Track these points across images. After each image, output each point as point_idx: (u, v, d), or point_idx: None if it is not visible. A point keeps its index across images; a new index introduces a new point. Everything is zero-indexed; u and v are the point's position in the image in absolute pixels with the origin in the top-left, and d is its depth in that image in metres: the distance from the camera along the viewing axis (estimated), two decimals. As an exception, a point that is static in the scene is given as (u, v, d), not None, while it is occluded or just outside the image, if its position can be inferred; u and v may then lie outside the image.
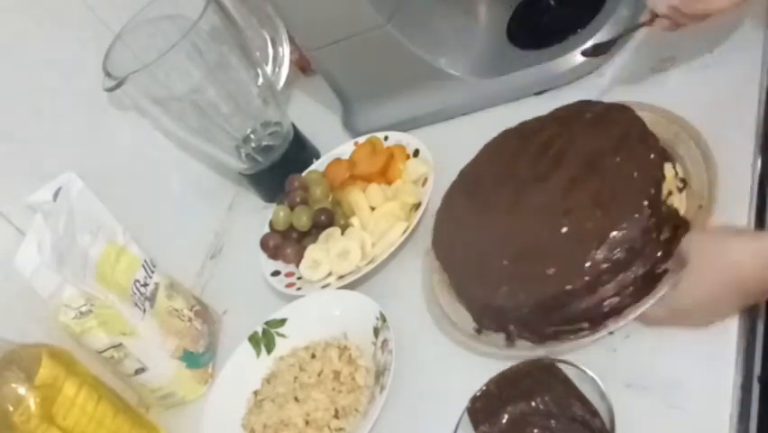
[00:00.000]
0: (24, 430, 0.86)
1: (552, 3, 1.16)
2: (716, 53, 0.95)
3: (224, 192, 1.36)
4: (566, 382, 0.75)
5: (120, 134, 1.20)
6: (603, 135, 0.88)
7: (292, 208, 1.15)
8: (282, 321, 1.04)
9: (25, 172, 1.04)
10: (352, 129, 1.25)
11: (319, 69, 1.21)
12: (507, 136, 0.97)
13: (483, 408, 0.78)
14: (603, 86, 1.03)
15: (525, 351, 0.83)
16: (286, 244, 1.12)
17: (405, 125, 1.18)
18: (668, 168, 0.84)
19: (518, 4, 1.17)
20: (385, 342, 0.93)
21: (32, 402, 0.86)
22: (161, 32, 1.16)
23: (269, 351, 1.03)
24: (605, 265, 0.79)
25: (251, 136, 1.24)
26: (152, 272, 1.06)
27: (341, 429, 0.91)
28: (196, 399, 1.08)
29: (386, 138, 1.17)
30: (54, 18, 1.12)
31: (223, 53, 1.17)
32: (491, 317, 0.87)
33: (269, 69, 1.28)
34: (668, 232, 0.80)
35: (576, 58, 1.05)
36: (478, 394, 0.78)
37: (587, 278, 0.79)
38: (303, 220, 1.12)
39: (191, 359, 1.07)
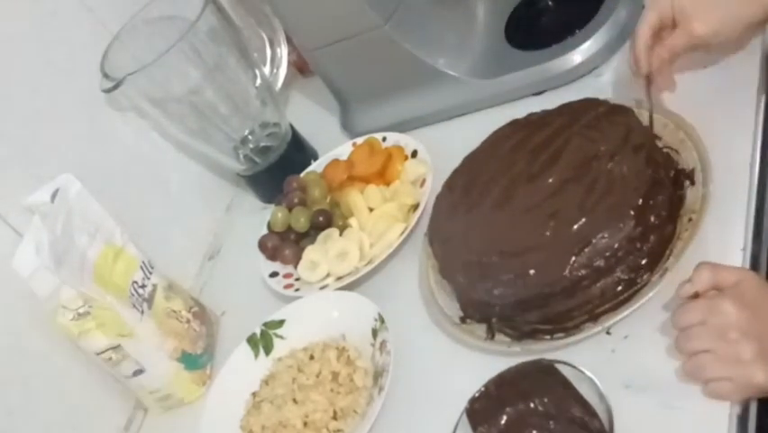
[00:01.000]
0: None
1: (550, 3, 1.16)
2: (714, 54, 0.95)
3: (222, 193, 1.35)
4: (565, 383, 0.75)
5: (118, 135, 1.20)
6: (601, 139, 0.88)
7: (290, 209, 1.15)
8: (280, 322, 1.04)
9: (23, 173, 1.04)
10: (350, 130, 1.25)
11: (317, 70, 1.21)
12: (513, 127, 0.97)
13: (482, 409, 0.78)
14: (602, 86, 1.03)
15: (504, 346, 0.84)
16: (284, 245, 1.12)
17: (403, 126, 1.18)
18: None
19: (517, 5, 1.17)
20: (383, 343, 0.93)
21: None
22: (159, 34, 1.15)
23: (267, 352, 1.03)
24: (584, 271, 0.79)
25: (250, 137, 1.24)
26: (150, 274, 1.06)
27: (339, 431, 0.90)
28: (195, 400, 1.08)
29: (384, 139, 1.17)
30: (52, 19, 1.12)
31: (221, 54, 1.17)
32: (475, 308, 0.88)
33: (267, 69, 1.28)
34: (654, 241, 0.81)
35: (575, 58, 1.05)
36: (476, 395, 0.78)
37: (565, 282, 0.79)
38: (301, 221, 1.12)
39: (189, 360, 1.07)
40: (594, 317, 0.80)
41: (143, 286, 1.04)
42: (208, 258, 1.29)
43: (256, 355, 1.03)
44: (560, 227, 0.82)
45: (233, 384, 1.02)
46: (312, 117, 1.33)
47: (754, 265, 0.80)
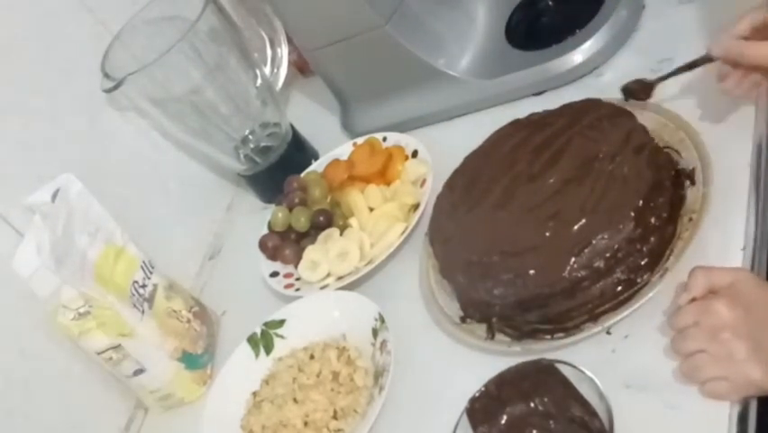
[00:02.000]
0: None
1: (550, 3, 1.16)
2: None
3: (222, 193, 1.35)
4: (565, 382, 0.75)
5: (118, 135, 1.20)
6: (602, 140, 0.88)
7: (291, 209, 1.15)
8: (281, 322, 1.04)
9: (24, 173, 1.04)
10: (350, 130, 1.25)
11: (318, 70, 1.21)
12: (515, 127, 0.98)
13: (482, 408, 0.78)
14: (602, 86, 1.03)
15: (504, 346, 0.84)
16: (284, 244, 1.12)
17: (403, 126, 1.18)
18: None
19: (517, 5, 1.17)
20: (384, 343, 0.93)
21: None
22: (160, 33, 1.15)
23: (267, 352, 1.03)
24: (584, 272, 0.79)
25: (250, 137, 1.24)
26: (151, 273, 1.06)
27: (339, 430, 0.91)
28: (195, 400, 1.08)
29: (384, 139, 1.17)
30: (53, 19, 1.12)
31: (221, 54, 1.17)
32: (474, 308, 0.88)
33: (267, 69, 1.28)
34: (654, 242, 0.81)
35: (575, 58, 1.05)
36: (477, 395, 0.78)
37: (565, 283, 0.80)
38: (301, 221, 1.12)
39: (190, 360, 1.07)
40: (594, 317, 0.81)
41: (144, 286, 1.04)
42: (209, 258, 1.29)
43: (256, 355, 1.03)
44: (560, 228, 0.82)
45: (233, 384, 1.02)
46: (312, 117, 1.33)
47: (754, 265, 0.79)
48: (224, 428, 0.98)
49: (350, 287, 1.03)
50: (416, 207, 1.05)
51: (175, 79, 1.13)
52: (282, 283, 1.09)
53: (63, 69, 1.12)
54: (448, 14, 1.17)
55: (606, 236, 0.79)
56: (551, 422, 0.76)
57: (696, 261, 0.77)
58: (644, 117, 0.90)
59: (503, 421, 0.77)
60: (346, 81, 1.20)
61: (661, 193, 0.82)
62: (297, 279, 1.09)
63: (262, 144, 1.24)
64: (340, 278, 1.04)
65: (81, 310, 0.96)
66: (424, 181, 1.07)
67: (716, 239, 0.80)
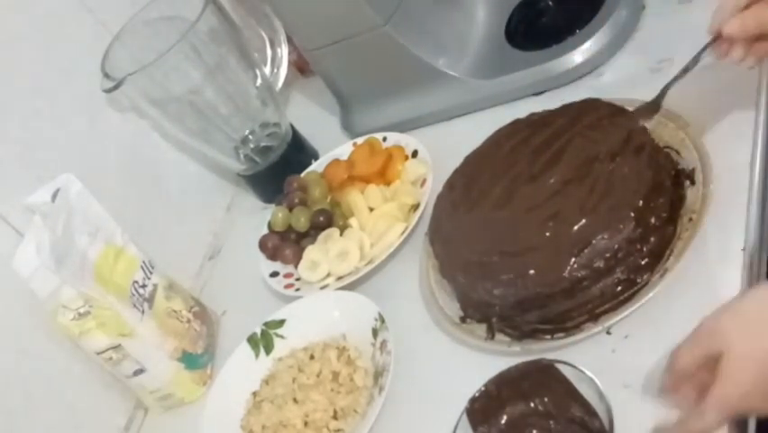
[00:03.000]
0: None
1: (550, 3, 1.16)
2: (714, 54, 0.95)
3: (222, 193, 1.36)
4: (565, 382, 0.75)
5: (118, 135, 1.20)
6: (602, 140, 0.88)
7: (291, 209, 1.15)
8: (281, 322, 1.04)
9: (24, 173, 1.04)
10: (350, 130, 1.25)
11: (317, 70, 1.21)
12: (515, 126, 0.98)
13: (482, 409, 0.78)
14: (602, 86, 1.03)
15: (504, 346, 0.84)
16: (284, 244, 1.12)
17: (403, 126, 1.18)
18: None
19: (517, 5, 1.17)
20: (384, 343, 0.93)
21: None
22: (160, 34, 1.16)
23: (267, 352, 1.03)
24: (584, 272, 0.79)
25: (250, 137, 1.24)
26: (151, 273, 1.06)
27: (339, 430, 0.91)
28: (195, 400, 1.08)
29: (384, 139, 1.17)
30: (52, 19, 1.12)
31: (221, 54, 1.17)
32: (474, 308, 0.88)
33: (267, 69, 1.28)
34: (654, 242, 0.81)
35: (575, 58, 1.05)
36: (476, 395, 0.78)
37: (565, 283, 0.80)
38: (301, 221, 1.12)
39: (190, 360, 1.07)
40: (594, 317, 0.81)
41: (144, 286, 1.04)
42: (209, 258, 1.29)
43: (256, 355, 1.03)
44: (560, 228, 0.82)
45: (233, 384, 1.02)
46: (312, 117, 1.33)
47: (754, 265, 0.80)
48: (224, 428, 0.98)
49: (350, 287, 1.03)
50: (416, 207, 1.05)
51: (175, 80, 1.13)
52: (282, 283, 1.09)
53: (63, 69, 1.12)
54: (448, 14, 1.17)
55: (606, 236, 0.79)
56: (551, 422, 0.76)
57: (696, 261, 0.77)
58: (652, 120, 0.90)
59: (503, 421, 0.78)
60: (346, 81, 1.20)
61: (661, 193, 0.82)
62: (297, 279, 1.09)
63: (262, 144, 1.24)
64: (340, 278, 1.04)
65: (81, 310, 0.96)
66: (424, 181, 1.07)
67: (716, 239, 0.80)
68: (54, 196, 1.00)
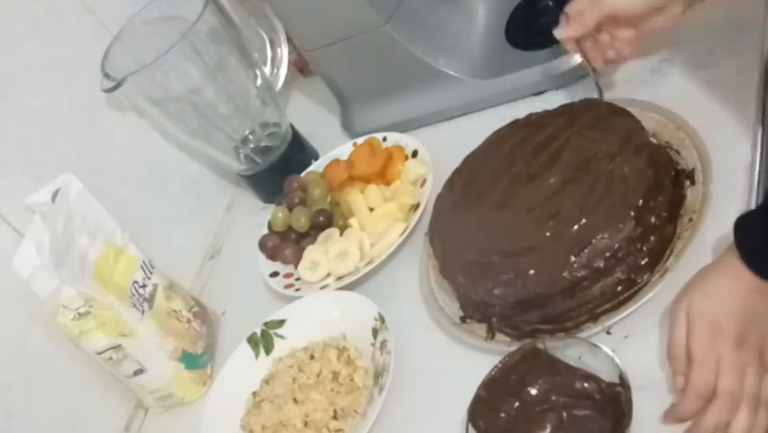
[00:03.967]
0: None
1: (550, 3, 1.16)
2: (714, 54, 0.95)
3: (222, 193, 1.36)
4: (551, 360, 0.76)
5: (118, 135, 1.20)
6: (601, 139, 0.88)
7: (291, 209, 1.15)
8: (281, 322, 1.04)
9: (24, 173, 1.04)
10: (350, 130, 1.25)
11: (317, 70, 1.21)
12: (514, 127, 0.98)
13: (482, 414, 0.77)
14: (602, 86, 1.03)
15: (504, 345, 0.84)
16: (284, 244, 1.12)
17: (403, 126, 1.18)
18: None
19: (517, 5, 1.17)
20: (384, 343, 0.93)
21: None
22: (160, 34, 1.16)
23: (267, 352, 1.03)
24: (584, 272, 0.79)
25: (250, 137, 1.24)
26: (151, 273, 1.06)
27: (339, 430, 0.91)
28: (195, 400, 1.08)
29: (384, 139, 1.17)
30: (53, 19, 1.12)
31: (221, 54, 1.17)
32: (474, 308, 0.88)
33: (267, 69, 1.28)
34: (654, 242, 0.81)
35: (574, 58, 1.05)
36: (472, 405, 0.77)
37: (565, 283, 0.80)
38: (301, 221, 1.12)
39: (190, 360, 1.07)
40: (594, 317, 0.81)
41: (144, 286, 1.04)
42: (209, 258, 1.29)
43: (256, 355, 1.03)
44: (560, 228, 0.82)
45: (233, 384, 1.02)
46: (312, 117, 1.33)
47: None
48: (223, 428, 0.98)
49: (350, 287, 1.03)
50: (415, 207, 1.05)
51: (175, 79, 1.13)
52: (282, 283, 1.09)
53: (63, 68, 1.12)
54: (448, 14, 1.17)
55: (606, 236, 0.79)
56: (553, 397, 0.76)
57: (696, 261, 0.77)
58: (645, 117, 0.90)
59: (504, 418, 0.77)
60: (346, 81, 1.20)
61: (661, 192, 0.82)
62: (297, 279, 1.09)
63: (262, 144, 1.24)
64: (340, 278, 1.04)
65: (81, 310, 0.96)
66: (424, 181, 1.07)
67: (716, 239, 0.80)
68: (54, 196, 1.00)
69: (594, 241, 0.79)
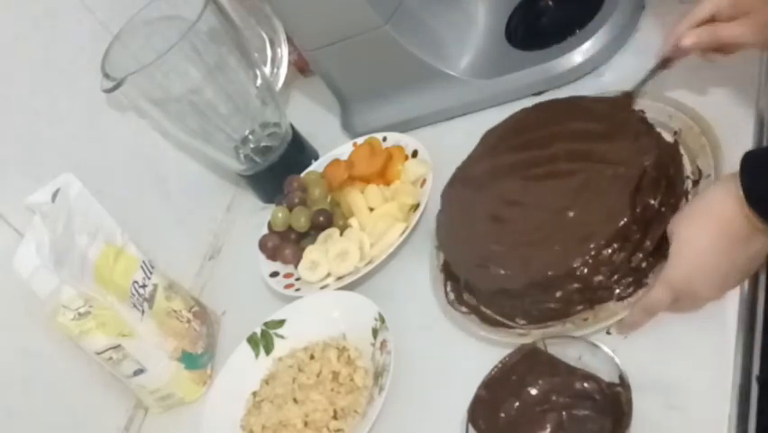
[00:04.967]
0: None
1: (550, 3, 1.16)
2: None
3: (222, 193, 1.35)
4: (551, 360, 0.76)
5: (118, 135, 1.20)
6: (601, 135, 0.88)
7: (291, 209, 1.15)
8: (281, 322, 1.04)
9: (24, 173, 1.04)
10: (350, 130, 1.25)
11: (318, 70, 1.21)
12: (527, 112, 0.98)
13: (482, 416, 0.77)
14: (602, 86, 1.03)
15: (504, 343, 0.83)
16: (284, 244, 1.12)
17: (403, 126, 1.18)
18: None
19: (517, 5, 1.17)
20: (384, 343, 0.93)
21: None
22: (160, 34, 1.16)
23: (267, 352, 1.03)
24: (585, 270, 0.79)
25: (250, 137, 1.24)
26: (151, 273, 1.06)
27: (339, 430, 0.91)
28: (195, 400, 1.08)
29: (384, 139, 1.17)
30: (52, 19, 1.12)
31: (221, 54, 1.17)
32: (477, 301, 0.89)
33: (267, 69, 1.27)
34: (656, 242, 0.81)
35: (575, 58, 1.05)
36: (472, 406, 0.77)
37: (569, 279, 0.80)
38: (301, 221, 1.12)
39: (190, 360, 1.07)
40: (589, 308, 0.80)
41: (144, 286, 1.04)
42: (209, 258, 1.29)
43: (256, 355, 1.03)
44: (563, 225, 0.82)
45: (233, 384, 1.02)
46: (312, 117, 1.33)
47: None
48: (223, 428, 0.98)
49: (350, 287, 1.03)
50: (415, 207, 1.05)
51: (175, 79, 1.13)
52: (282, 283, 1.09)
53: (63, 68, 1.12)
54: (448, 14, 1.17)
55: (606, 234, 0.79)
56: (553, 397, 0.76)
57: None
58: (675, 116, 0.90)
59: (504, 418, 0.77)
60: (346, 81, 1.20)
61: (664, 191, 0.82)
62: (297, 279, 1.09)
63: (262, 144, 1.24)
64: (340, 278, 1.04)
65: (81, 310, 0.96)
66: (424, 181, 1.07)
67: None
68: (54, 196, 1.00)
69: (596, 240, 0.79)
